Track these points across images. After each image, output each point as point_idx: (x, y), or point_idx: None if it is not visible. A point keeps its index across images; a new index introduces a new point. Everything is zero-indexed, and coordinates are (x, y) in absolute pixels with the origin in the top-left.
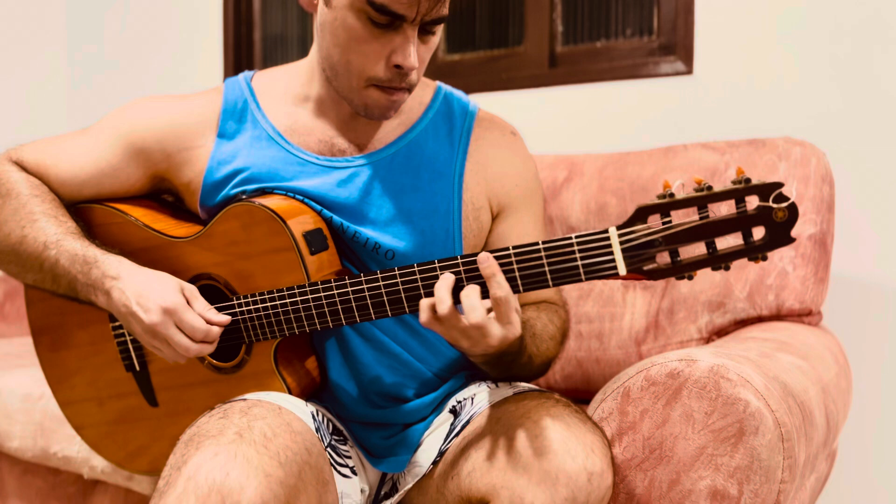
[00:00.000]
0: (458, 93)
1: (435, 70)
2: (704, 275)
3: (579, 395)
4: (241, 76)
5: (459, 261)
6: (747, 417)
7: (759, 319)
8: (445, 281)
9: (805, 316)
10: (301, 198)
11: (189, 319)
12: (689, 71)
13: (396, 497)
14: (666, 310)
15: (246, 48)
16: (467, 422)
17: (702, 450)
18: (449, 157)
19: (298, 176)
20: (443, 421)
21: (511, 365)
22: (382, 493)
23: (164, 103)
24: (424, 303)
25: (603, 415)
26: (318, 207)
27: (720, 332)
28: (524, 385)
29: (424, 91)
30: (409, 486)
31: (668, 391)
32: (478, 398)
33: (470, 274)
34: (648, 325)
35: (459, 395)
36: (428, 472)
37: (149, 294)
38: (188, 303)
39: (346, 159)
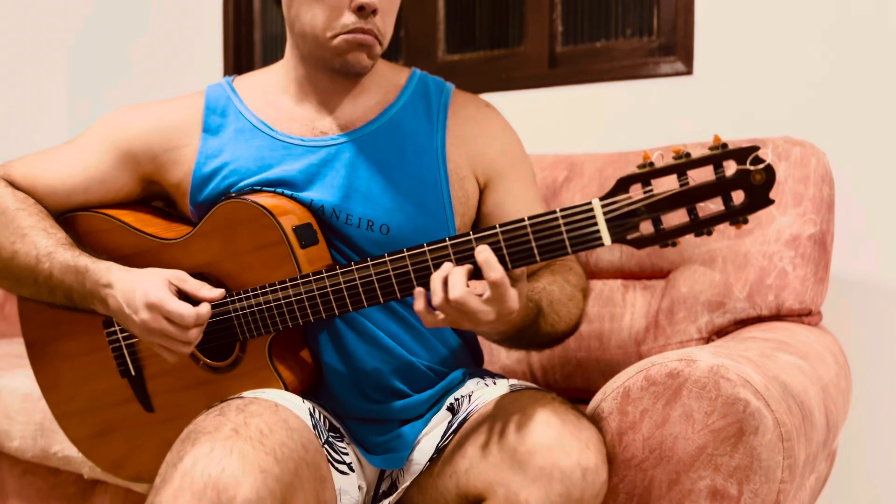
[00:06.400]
0: (434, 76)
1: (435, 70)
2: (704, 275)
3: (579, 395)
4: (223, 79)
5: (448, 242)
6: (747, 417)
7: (759, 319)
8: (440, 272)
9: (805, 316)
10: (290, 193)
11: (175, 308)
12: (689, 71)
13: (395, 495)
14: (666, 310)
15: (246, 48)
16: (465, 419)
17: (702, 450)
18: (429, 132)
19: (285, 160)
20: (441, 419)
21: (534, 337)
22: (381, 490)
23: (147, 108)
24: (420, 308)
25: (603, 415)
26: (308, 198)
27: (720, 332)
28: (521, 382)
29: (399, 74)
30: (408, 483)
31: (668, 391)
32: (475, 395)
33: (460, 256)
34: (648, 325)
35: (457, 393)
36: (426, 470)
37: (134, 294)
38: (179, 288)
39: (330, 138)
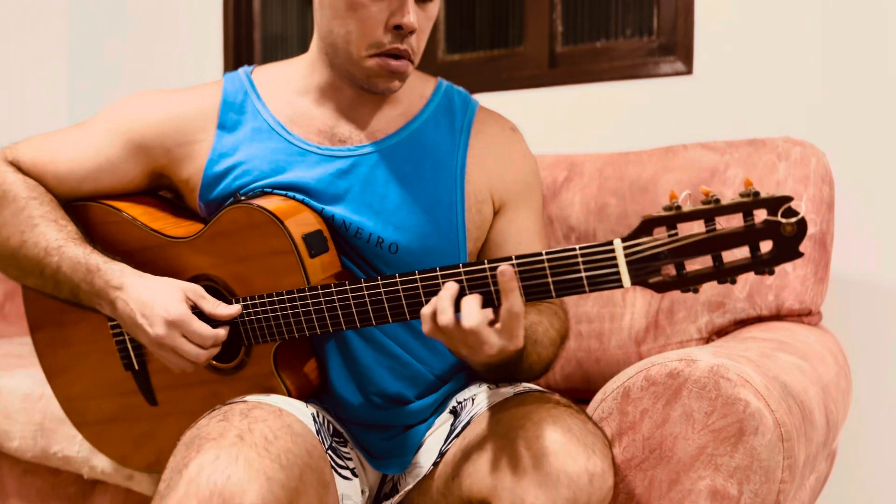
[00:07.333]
0: (459, 88)
1: (435, 70)
2: None
3: (579, 395)
4: (241, 70)
5: (462, 269)
6: (747, 417)
7: (759, 319)
8: (448, 291)
9: (805, 316)
10: (301, 197)
11: (196, 329)
12: (689, 71)
13: (397, 497)
14: (666, 310)
15: (246, 48)
16: (468, 422)
17: (702, 450)
18: (450, 149)
19: (299, 165)
20: (443, 421)
21: (513, 372)
22: (383, 493)
23: (162, 97)
24: (426, 312)
25: (603, 415)
26: (319, 206)
27: (720, 332)
28: (525, 385)
29: (426, 85)
30: (410, 486)
31: (668, 391)
32: (478, 398)
33: (472, 283)
34: (648, 325)
35: (460, 396)
36: (428, 473)
37: (152, 306)
38: (196, 304)
39: (348, 148)
